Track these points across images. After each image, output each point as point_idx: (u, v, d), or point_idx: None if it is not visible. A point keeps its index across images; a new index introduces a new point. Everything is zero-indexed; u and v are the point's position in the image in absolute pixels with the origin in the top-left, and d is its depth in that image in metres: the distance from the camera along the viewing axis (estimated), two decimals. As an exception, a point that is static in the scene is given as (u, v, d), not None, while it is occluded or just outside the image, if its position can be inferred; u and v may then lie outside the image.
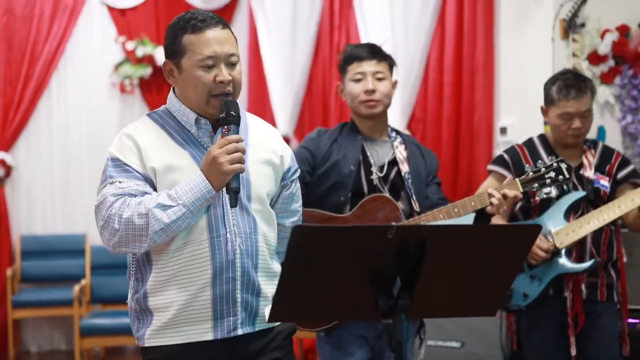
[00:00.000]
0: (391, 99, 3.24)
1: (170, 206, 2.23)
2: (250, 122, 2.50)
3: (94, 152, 6.66)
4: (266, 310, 2.37)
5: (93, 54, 6.76)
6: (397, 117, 5.90)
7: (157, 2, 6.76)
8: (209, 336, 2.33)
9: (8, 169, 6.55)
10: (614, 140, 4.89)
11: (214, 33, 2.33)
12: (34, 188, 6.72)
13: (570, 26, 4.85)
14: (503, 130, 5.41)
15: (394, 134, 3.29)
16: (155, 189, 2.31)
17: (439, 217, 3.04)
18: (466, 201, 3.04)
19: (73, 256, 6.58)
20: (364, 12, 6.08)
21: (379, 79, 3.18)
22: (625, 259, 3.58)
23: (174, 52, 2.36)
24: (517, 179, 3.07)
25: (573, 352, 3.41)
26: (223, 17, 2.47)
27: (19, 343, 6.59)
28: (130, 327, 2.45)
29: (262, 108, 6.51)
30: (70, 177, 6.76)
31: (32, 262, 6.55)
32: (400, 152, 3.22)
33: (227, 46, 2.34)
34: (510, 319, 3.76)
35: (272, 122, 6.30)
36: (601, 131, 4.86)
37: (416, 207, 3.14)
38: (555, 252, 3.35)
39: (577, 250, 3.40)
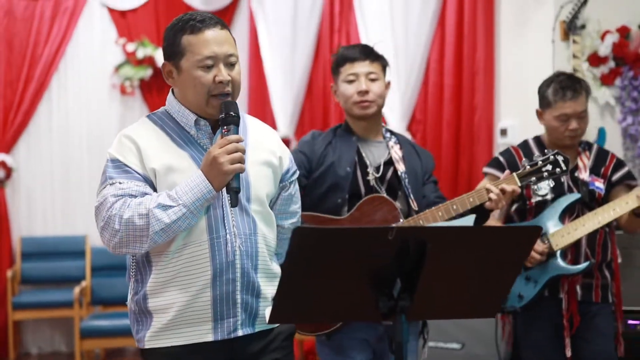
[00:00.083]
0: (385, 99, 3.23)
1: (170, 206, 2.23)
2: (249, 123, 2.50)
3: (94, 153, 6.66)
4: (266, 311, 2.37)
5: (93, 56, 6.76)
6: (397, 119, 5.90)
7: (157, 4, 6.76)
8: (209, 337, 2.33)
9: (8, 171, 6.55)
10: (615, 141, 4.89)
11: (213, 33, 2.34)
12: (35, 189, 6.72)
13: (571, 28, 4.86)
14: (503, 132, 5.41)
15: (388, 134, 3.28)
16: (155, 190, 2.31)
17: (438, 215, 3.03)
18: (465, 197, 3.03)
19: (73, 258, 6.58)
20: (364, 13, 6.09)
21: (372, 80, 3.17)
22: (619, 260, 3.59)
23: (173, 53, 2.36)
24: (514, 174, 3.07)
25: (568, 353, 3.42)
26: (223, 19, 2.48)
27: (19, 345, 6.58)
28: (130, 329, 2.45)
29: (263, 110, 6.51)
30: (71, 178, 6.76)
31: (33, 264, 6.55)
32: (396, 152, 3.22)
33: (226, 46, 2.35)
34: (505, 320, 3.78)
35: (273, 123, 6.30)
36: (601, 133, 4.86)
37: (414, 206, 3.13)
38: (551, 254, 3.36)
39: (572, 252, 3.42)
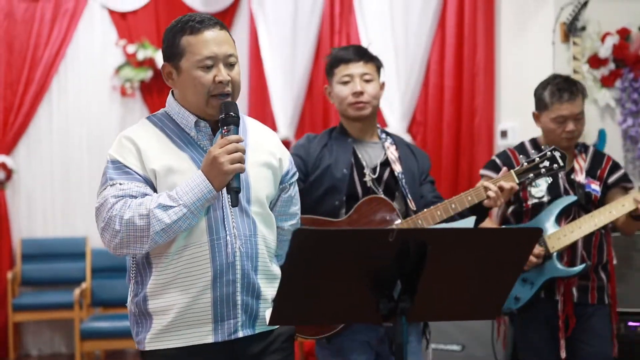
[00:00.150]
0: (379, 100, 3.22)
1: (171, 206, 2.23)
2: (249, 125, 2.50)
3: (94, 155, 6.66)
4: (267, 313, 2.37)
5: (94, 57, 6.76)
6: (397, 121, 5.90)
7: (157, 5, 6.76)
8: (210, 339, 2.32)
9: (9, 172, 6.55)
10: (615, 143, 4.89)
11: (212, 34, 2.34)
12: (35, 191, 6.72)
13: (571, 29, 4.86)
14: (504, 134, 5.41)
15: (384, 135, 3.27)
16: (155, 191, 2.31)
17: (437, 214, 3.03)
18: (463, 196, 3.03)
19: (73, 259, 6.58)
20: (365, 15, 6.09)
21: (367, 81, 3.16)
22: (615, 262, 3.59)
23: (173, 54, 2.36)
24: (512, 171, 3.06)
25: (563, 354, 3.43)
26: (224, 20, 2.48)
27: (19, 346, 6.58)
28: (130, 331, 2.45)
29: (263, 111, 6.51)
30: (71, 180, 6.76)
31: (33, 265, 6.55)
32: (392, 153, 3.21)
33: (225, 47, 2.35)
34: (501, 322, 3.79)
35: (273, 125, 6.30)
36: (602, 135, 4.86)
37: (412, 206, 3.13)
38: (547, 256, 3.36)
39: (568, 254, 3.42)
